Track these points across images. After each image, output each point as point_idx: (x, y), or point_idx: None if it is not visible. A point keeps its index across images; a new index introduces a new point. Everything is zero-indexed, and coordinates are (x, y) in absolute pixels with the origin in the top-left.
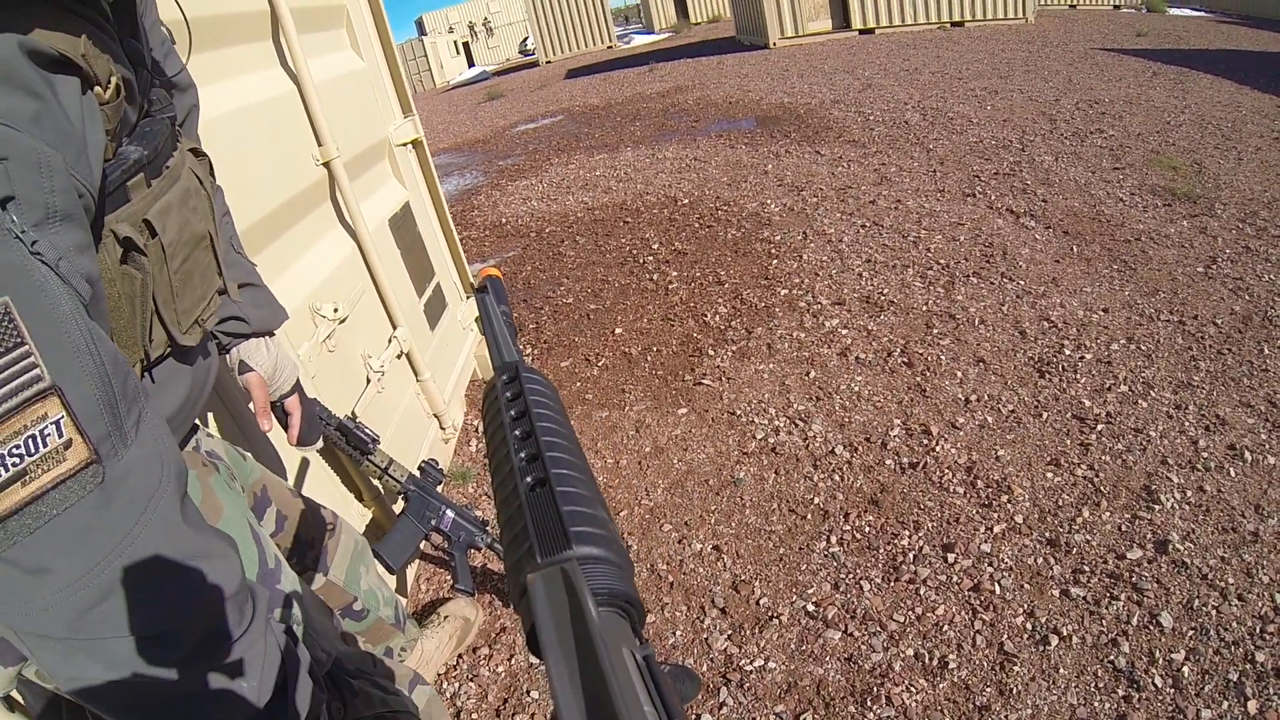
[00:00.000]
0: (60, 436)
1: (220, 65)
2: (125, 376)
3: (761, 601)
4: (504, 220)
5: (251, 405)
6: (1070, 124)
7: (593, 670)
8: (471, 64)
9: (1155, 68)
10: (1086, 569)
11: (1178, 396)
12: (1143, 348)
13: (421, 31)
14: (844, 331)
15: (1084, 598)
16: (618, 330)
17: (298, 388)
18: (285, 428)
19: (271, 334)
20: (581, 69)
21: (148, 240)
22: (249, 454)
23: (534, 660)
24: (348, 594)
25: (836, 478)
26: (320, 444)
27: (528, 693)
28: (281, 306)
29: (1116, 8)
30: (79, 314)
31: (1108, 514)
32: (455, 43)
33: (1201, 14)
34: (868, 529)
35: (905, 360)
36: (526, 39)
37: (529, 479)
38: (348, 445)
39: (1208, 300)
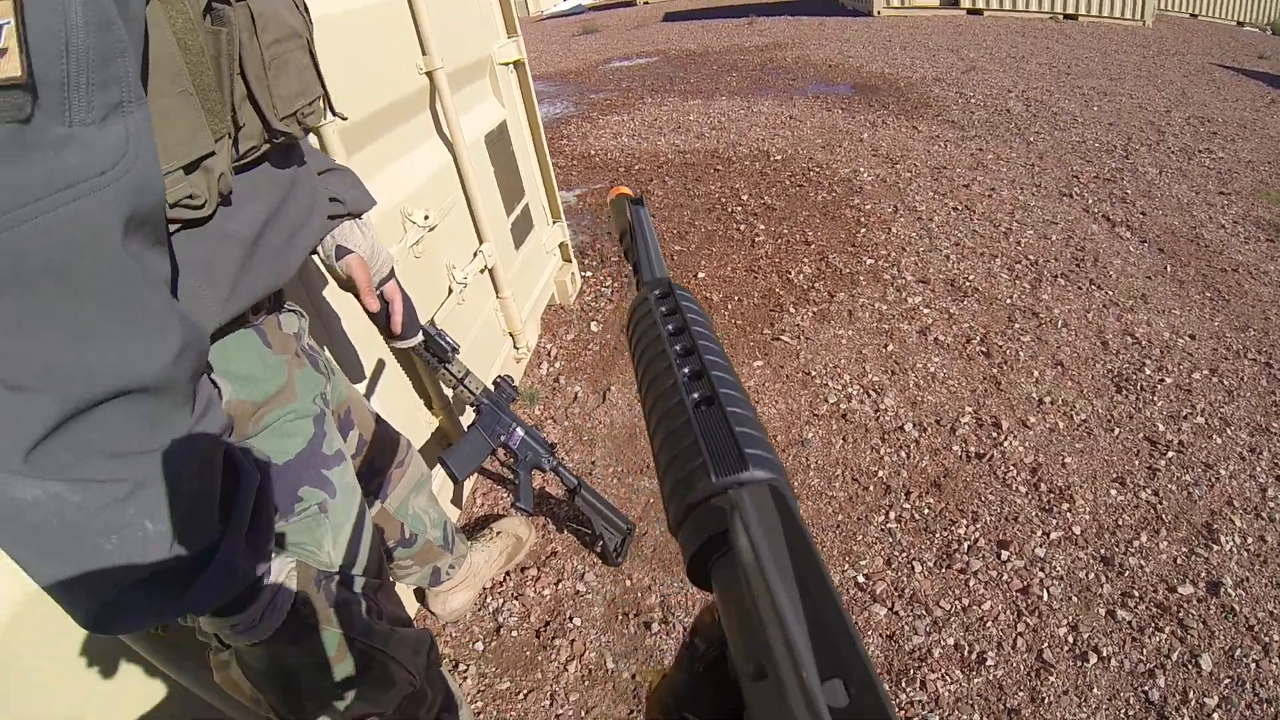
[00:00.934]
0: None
1: None
2: (115, 55)
3: None
4: (593, 152)
5: (355, 290)
6: (1179, 139)
7: (817, 595)
8: None
9: (1275, 94)
10: (1136, 594)
11: (1254, 439)
12: (1225, 382)
13: None
14: (926, 310)
15: (1129, 622)
16: (700, 274)
17: (393, 276)
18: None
19: (361, 216)
20: (679, 13)
21: (235, 1)
22: (338, 369)
23: (581, 589)
24: (395, 521)
25: (903, 454)
26: (420, 338)
27: (570, 619)
28: (369, 192)
29: (1240, 24)
30: None
31: (1165, 543)
32: None
33: None
34: (927, 511)
35: (984, 350)
36: None
37: (695, 395)
38: (427, 351)
39: None
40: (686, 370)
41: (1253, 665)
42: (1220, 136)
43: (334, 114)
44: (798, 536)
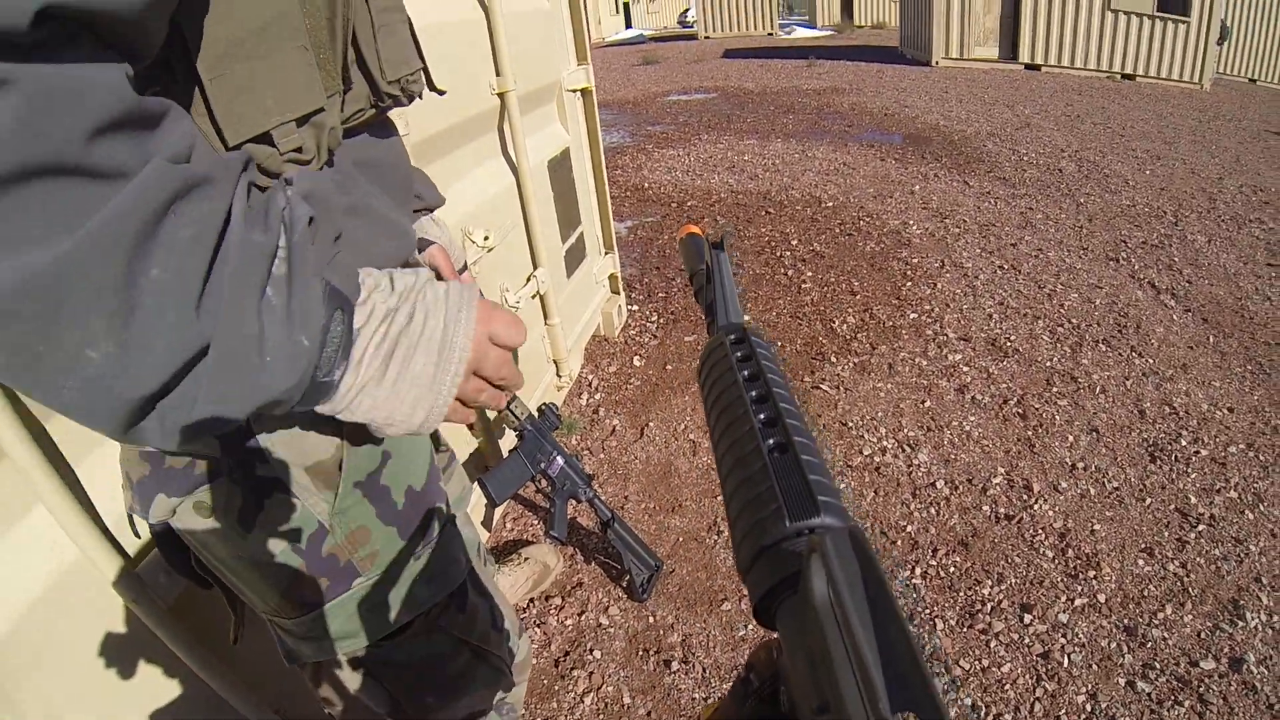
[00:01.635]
0: None
1: None
2: None
3: None
4: (646, 185)
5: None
6: (1230, 207)
7: (894, 639)
8: (629, 25)
9: None
10: (1157, 666)
11: None
12: (1261, 458)
13: None
14: (965, 368)
15: (1149, 694)
16: (746, 318)
17: (467, 268)
18: None
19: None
20: (739, 50)
21: None
22: None
23: (604, 622)
24: None
25: (932, 511)
26: None
27: (590, 650)
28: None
29: None
30: None
31: (1190, 617)
32: (616, 1)
33: None
34: (952, 569)
35: (1020, 411)
36: (687, 10)
37: (771, 442)
38: None
39: None
40: (762, 417)
41: None
42: (1272, 206)
43: (433, 89)
44: (877, 581)
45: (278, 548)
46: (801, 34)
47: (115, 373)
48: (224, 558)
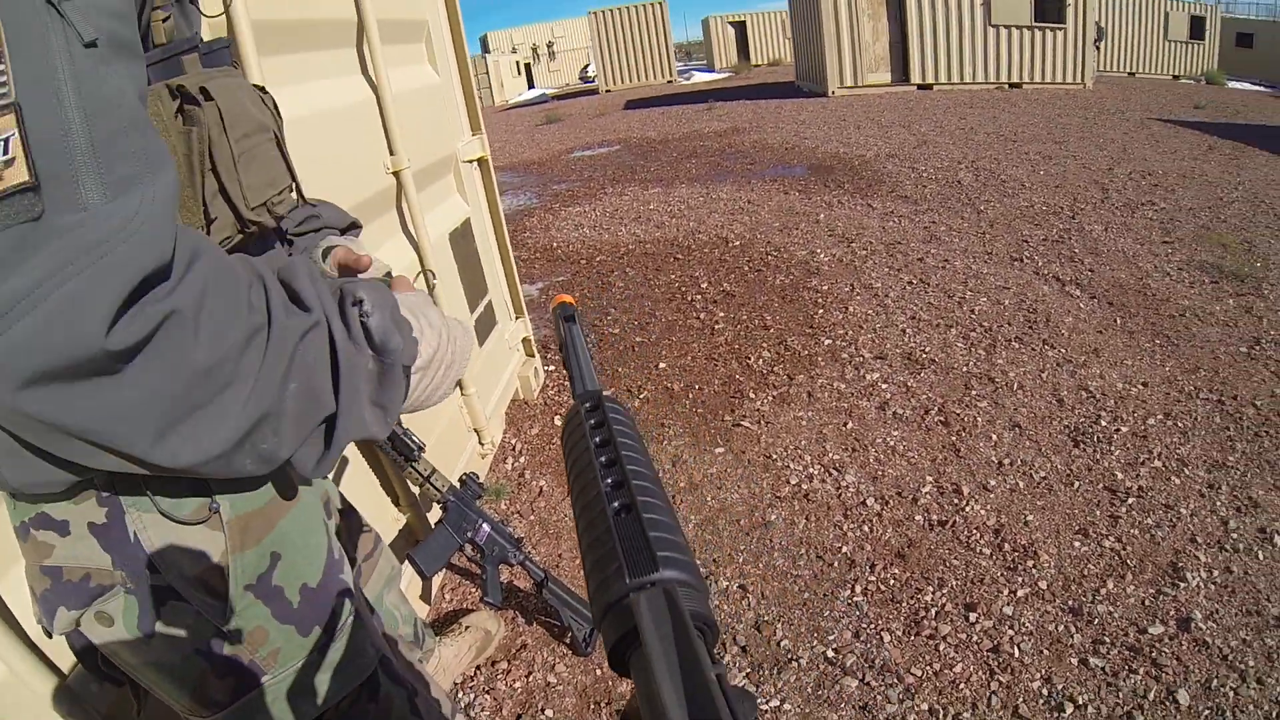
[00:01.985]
0: (6, 153)
1: (306, 68)
2: (120, 134)
3: (782, 643)
4: (555, 245)
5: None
6: (1122, 194)
7: (698, 687)
8: (532, 85)
9: (1211, 141)
10: (1107, 640)
11: (1211, 476)
12: (1179, 424)
13: (485, 49)
14: (884, 385)
15: (1102, 669)
16: (661, 365)
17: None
18: None
19: (345, 234)
20: (640, 100)
21: (204, 101)
22: None
23: (552, 680)
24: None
25: (866, 528)
26: None
27: (542, 710)
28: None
29: (1176, 78)
30: (71, 53)
31: (1132, 587)
32: (517, 63)
33: (1261, 88)
34: (892, 581)
35: (942, 419)
36: (587, 66)
37: (616, 504)
38: (393, 450)
39: (1249, 381)
40: (609, 480)
41: (1230, 693)
42: (1162, 188)
43: (304, 201)
44: (682, 631)
45: (180, 652)
46: (700, 78)
47: (274, 451)
48: (132, 663)
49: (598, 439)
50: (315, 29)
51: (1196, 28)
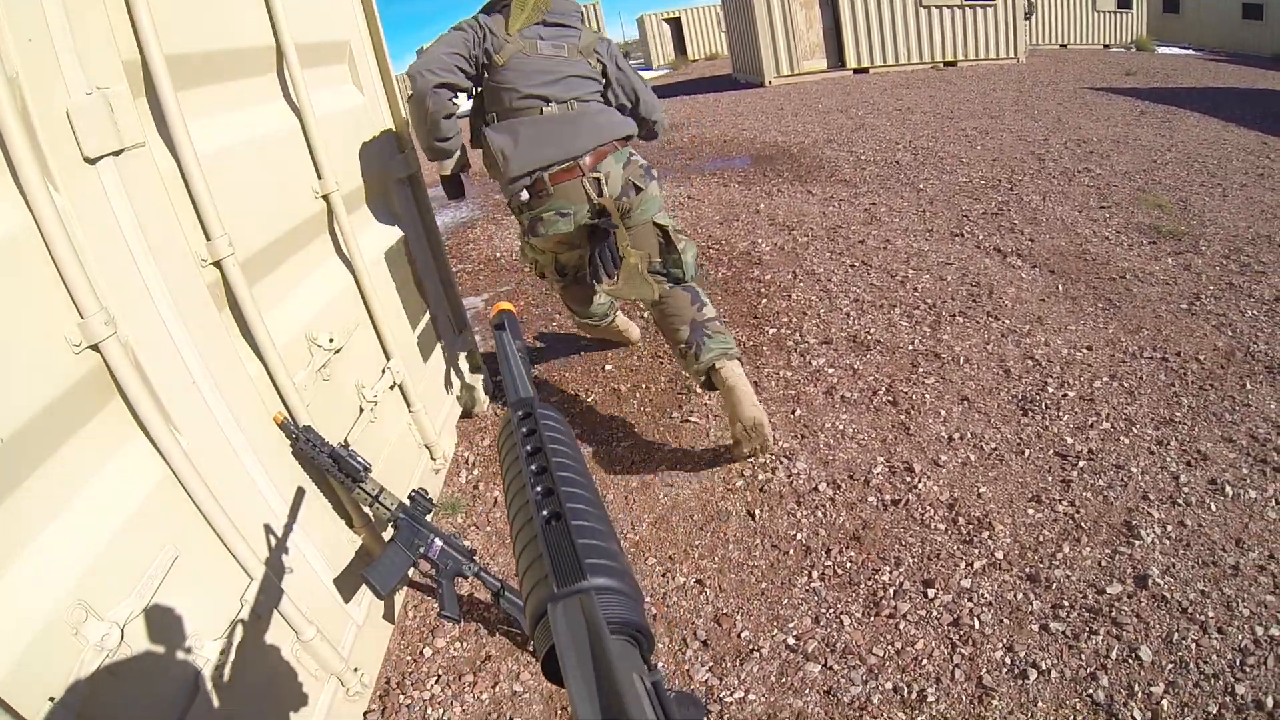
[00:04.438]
0: None
1: (228, 97)
2: None
3: (743, 635)
4: (499, 255)
5: None
6: (1058, 163)
7: (609, 694)
8: (469, 96)
9: (1143, 106)
10: (1066, 604)
11: (1160, 433)
12: (1125, 385)
13: None
14: (830, 370)
15: (1063, 632)
16: (608, 367)
17: None
18: None
19: None
20: None
21: None
22: None
23: (518, 689)
24: None
25: (819, 514)
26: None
27: (510, 719)
28: None
29: (1106, 47)
30: None
31: (1088, 549)
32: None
33: (1189, 52)
34: (849, 565)
35: (890, 399)
36: None
37: (545, 513)
38: (340, 473)
39: (1191, 337)
40: (539, 489)
41: (1193, 645)
42: (1097, 155)
43: None
44: (596, 638)
45: None
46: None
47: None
48: None
49: (529, 447)
50: (232, 58)
51: None
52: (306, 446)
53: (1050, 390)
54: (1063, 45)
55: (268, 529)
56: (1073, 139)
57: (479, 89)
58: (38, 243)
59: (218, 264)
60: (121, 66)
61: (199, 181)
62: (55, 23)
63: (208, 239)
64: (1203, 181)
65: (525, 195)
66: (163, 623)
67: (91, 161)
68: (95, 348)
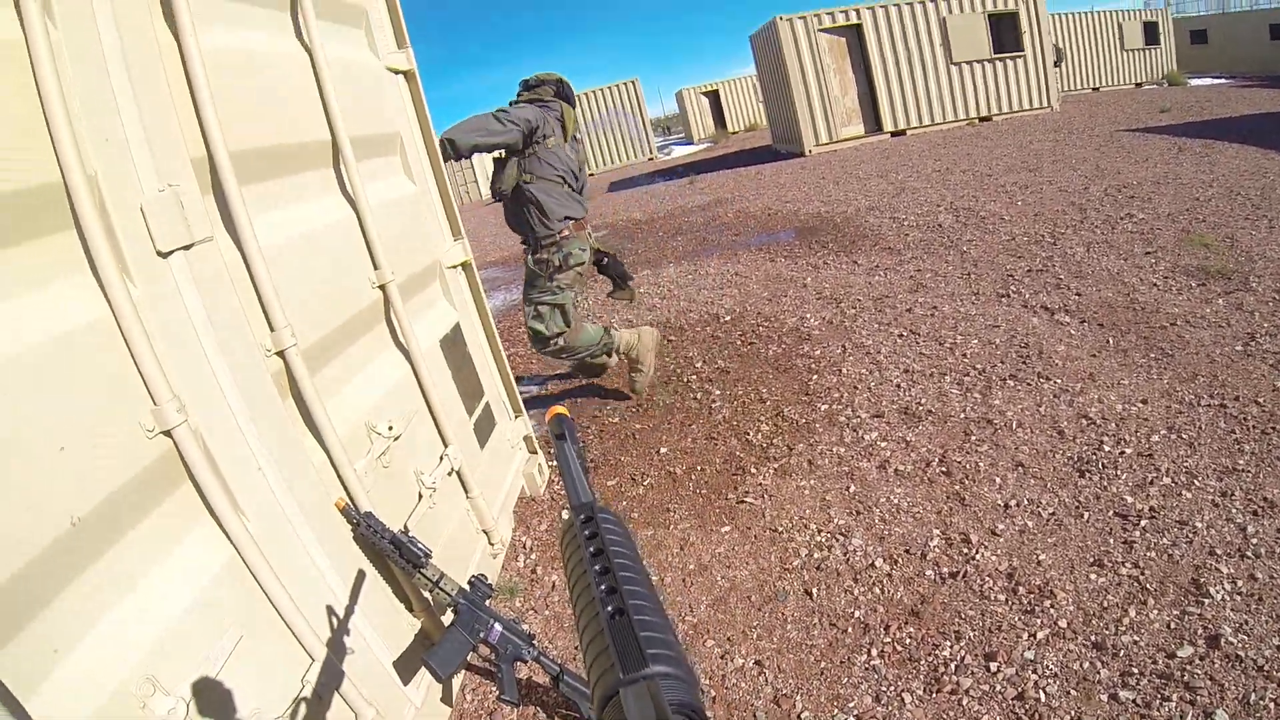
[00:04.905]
0: None
1: (288, 191)
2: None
3: (803, 715)
4: None
5: None
6: (1100, 211)
7: None
8: None
9: (1181, 143)
10: (1135, 670)
11: (1223, 483)
12: (1184, 436)
13: None
14: (883, 444)
15: (1134, 700)
16: (662, 449)
17: None
18: None
19: None
20: (624, 181)
21: None
22: None
23: None
24: None
25: (877, 590)
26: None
27: None
28: None
29: (1138, 85)
30: None
31: (1155, 612)
32: (496, 156)
33: (1222, 81)
34: (908, 640)
35: (944, 470)
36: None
37: (609, 608)
38: (401, 559)
39: (1248, 379)
40: (603, 587)
41: (1270, 705)
42: (1138, 199)
43: None
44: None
45: None
46: (680, 152)
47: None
48: None
49: (591, 549)
50: (291, 153)
51: (1150, 34)
52: (368, 532)
53: (1106, 449)
54: (1095, 88)
55: (329, 611)
56: (1113, 185)
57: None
58: (114, 332)
59: (281, 353)
60: (190, 164)
61: (262, 273)
62: (130, 124)
63: (271, 329)
64: (1247, 215)
65: (566, 231)
66: (227, 700)
67: (164, 255)
68: (168, 433)
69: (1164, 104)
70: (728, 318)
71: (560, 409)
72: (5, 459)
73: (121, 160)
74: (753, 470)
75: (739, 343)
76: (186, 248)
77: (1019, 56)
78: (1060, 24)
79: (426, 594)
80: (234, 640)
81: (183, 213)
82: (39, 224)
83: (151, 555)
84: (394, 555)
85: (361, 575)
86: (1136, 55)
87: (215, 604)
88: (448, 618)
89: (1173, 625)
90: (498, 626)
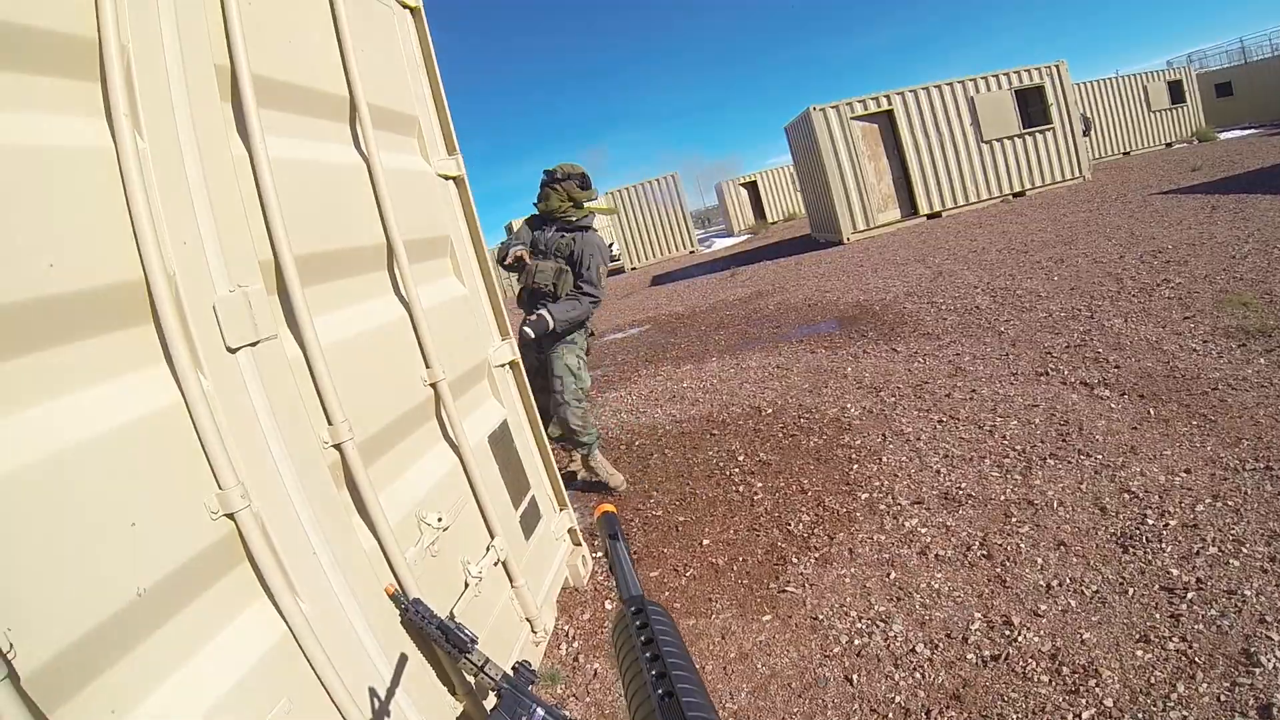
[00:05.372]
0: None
1: (346, 292)
2: None
3: None
4: None
5: None
6: (1136, 280)
7: None
8: None
9: (1214, 200)
10: None
11: (1271, 548)
12: (1230, 503)
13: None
14: (923, 530)
15: None
16: (705, 541)
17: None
18: None
19: None
20: (665, 275)
21: None
22: None
23: None
24: None
25: (918, 675)
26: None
27: None
28: None
29: (1169, 145)
30: None
31: (1204, 685)
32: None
33: (1251, 131)
34: None
35: (984, 553)
36: (612, 244)
37: (659, 691)
38: (447, 643)
39: None
40: (654, 672)
41: None
42: (1174, 263)
43: None
44: None
45: None
46: (720, 244)
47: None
48: None
49: (643, 638)
50: (349, 256)
51: (1176, 92)
52: (416, 618)
53: (1150, 522)
54: (1126, 152)
55: (373, 692)
56: (1148, 251)
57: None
58: (185, 420)
59: (338, 446)
60: (258, 266)
61: (322, 369)
62: (205, 228)
63: (329, 423)
64: None
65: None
66: None
67: (232, 351)
68: (231, 516)
69: (1195, 162)
70: (769, 410)
71: (609, 507)
72: (82, 531)
73: (197, 261)
74: (794, 560)
75: (780, 435)
76: (253, 344)
77: (1048, 129)
78: (1086, 92)
79: (470, 678)
80: (283, 714)
81: (250, 312)
82: (123, 316)
83: (208, 630)
84: (441, 640)
85: (406, 658)
86: (1164, 115)
87: (266, 679)
88: (489, 702)
89: (1223, 698)
90: (540, 711)
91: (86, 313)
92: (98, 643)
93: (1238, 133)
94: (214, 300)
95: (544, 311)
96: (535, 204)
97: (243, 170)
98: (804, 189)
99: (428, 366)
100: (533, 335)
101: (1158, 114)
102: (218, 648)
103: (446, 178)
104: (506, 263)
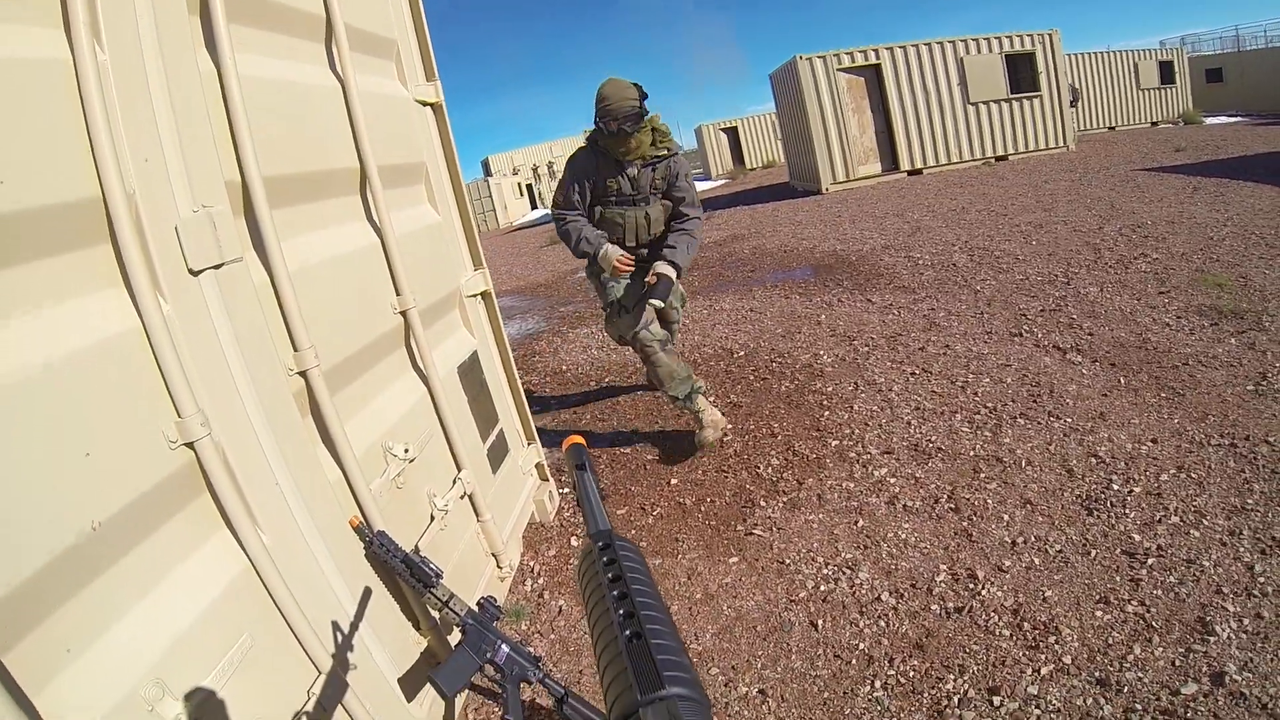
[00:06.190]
0: None
1: (316, 216)
2: None
3: None
4: (564, 368)
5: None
6: (1114, 251)
7: None
8: (535, 206)
9: (1195, 182)
10: (1139, 707)
11: (1231, 522)
12: (1193, 475)
13: (487, 172)
14: (892, 480)
15: None
16: (673, 481)
17: None
18: None
19: None
20: None
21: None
22: None
23: None
24: None
25: (882, 623)
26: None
27: None
28: None
29: (1154, 124)
30: None
31: (1160, 649)
32: (519, 185)
33: (1238, 119)
34: (912, 674)
35: (952, 506)
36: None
37: (627, 633)
38: (412, 578)
39: (1259, 419)
40: (621, 612)
41: None
42: (1152, 239)
43: None
44: None
45: None
46: (699, 187)
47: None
48: None
49: (610, 575)
50: (321, 180)
51: (1166, 73)
52: (380, 550)
53: (1115, 487)
54: (1111, 127)
55: (336, 626)
56: (1127, 225)
57: None
58: (144, 345)
59: (303, 373)
60: (224, 186)
61: (289, 295)
62: (169, 145)
63: (295, 349)
64: (1261, 254)
65: None
66: (232, 709)
67: (195, 274)
68: (190, 445)
69: (1179, 143)
70: (742, 353)
71: (577, 438)
72: (33, 462)
73: (159, 180)
74: (762, 503)
75: (752, 378)
76: (217, 267)
77: (1035, 96)
78: (1076, 64)
79: (435, 613)
80: (244, 650)
81: (215, 233)
82: (78, 237)
83: (167, 563)
84: (405, 574)
85: (370, 592)
86: (1152, 94)
87: (227, 613)
88: (454, 638)
89: (1177, 663)
90: (505, 647)
91: (39, 233)
92: (50, 580)
93: (1224, 119)
94: (176, 220)
95: (665, 270)
96: (619, 152)
97: (211, 87)
98: (785, 137)
99: (398, 294)
100: (662, 305)
101: (1146, 92)
102: (176, 583)
103: (424, 104)
104: (604, 274)
